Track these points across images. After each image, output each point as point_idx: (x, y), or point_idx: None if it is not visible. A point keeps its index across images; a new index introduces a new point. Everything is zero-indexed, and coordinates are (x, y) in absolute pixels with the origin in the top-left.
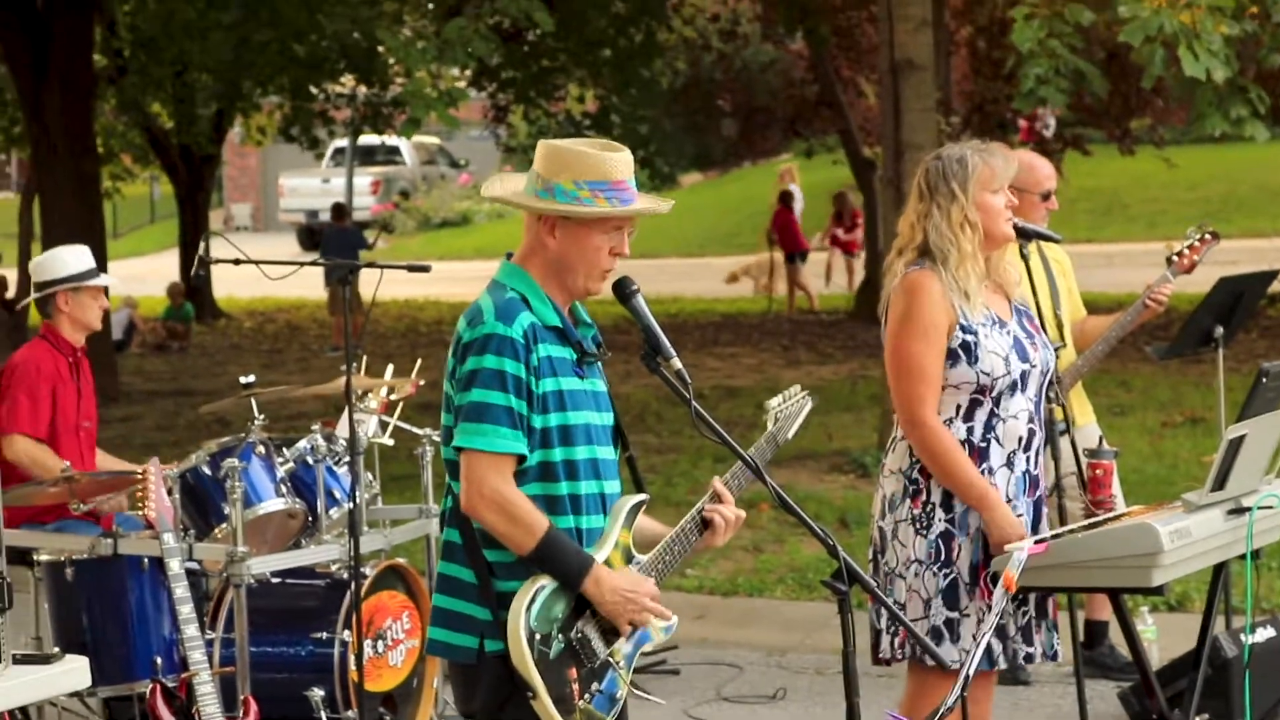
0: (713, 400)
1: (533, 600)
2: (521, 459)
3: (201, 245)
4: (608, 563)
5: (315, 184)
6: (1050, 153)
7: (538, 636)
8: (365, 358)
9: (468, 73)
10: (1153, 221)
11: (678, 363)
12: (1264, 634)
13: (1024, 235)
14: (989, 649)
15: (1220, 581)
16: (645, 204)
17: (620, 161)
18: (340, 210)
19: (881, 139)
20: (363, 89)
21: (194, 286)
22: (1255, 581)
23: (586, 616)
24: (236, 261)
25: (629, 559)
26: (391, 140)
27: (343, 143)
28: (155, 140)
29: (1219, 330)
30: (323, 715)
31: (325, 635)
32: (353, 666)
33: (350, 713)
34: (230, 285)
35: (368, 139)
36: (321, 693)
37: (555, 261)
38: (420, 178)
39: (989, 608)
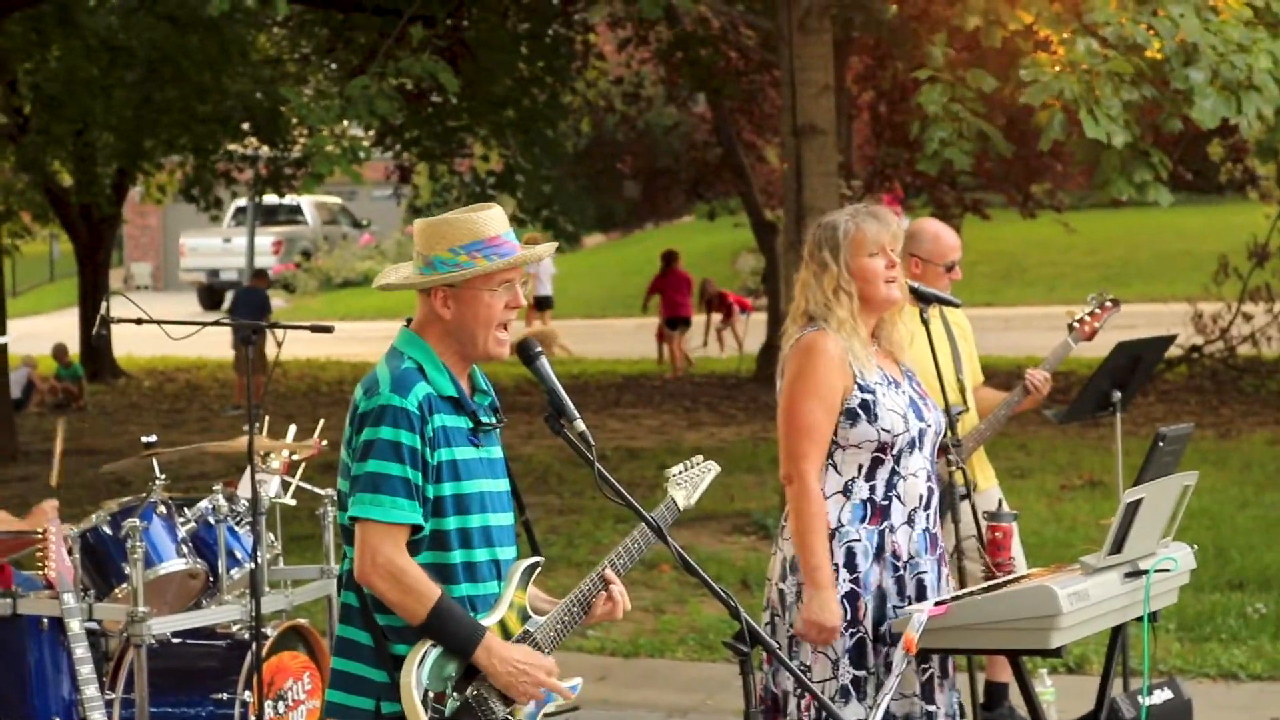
0: (615, 461)
1: (423, 659)
2: (416, 529)
3: (103, 304)
4: (503, 624)
5: (217, 244)
6: (950, 217)
7: (431, 695)
8: (267, 418)
9: (371, 132)
10: (1052, 285)
11: (581, 424)
12: (1161, 695)
13: (923, 299)
14: (889, 711)
15: (1118, 644)
16: (524, 252)
17: (490, 219)
18: (261, 273)
19: (784, 203)
20: (265, 149)
21: (95, 345)
22: (1152, 643)
23: (482, 675)
24: (139, 321)
25: (525, 618)
26: (293, 200)
27: (244, 202)
28: (55, 198)
29: (1116, 394)
30: None
31: (226, 696)
32: None
33: None
34: (130, 344)
35: (270, 199)
36: None
37: (454, 330)
38: (322, 237)
39: (888, 668)
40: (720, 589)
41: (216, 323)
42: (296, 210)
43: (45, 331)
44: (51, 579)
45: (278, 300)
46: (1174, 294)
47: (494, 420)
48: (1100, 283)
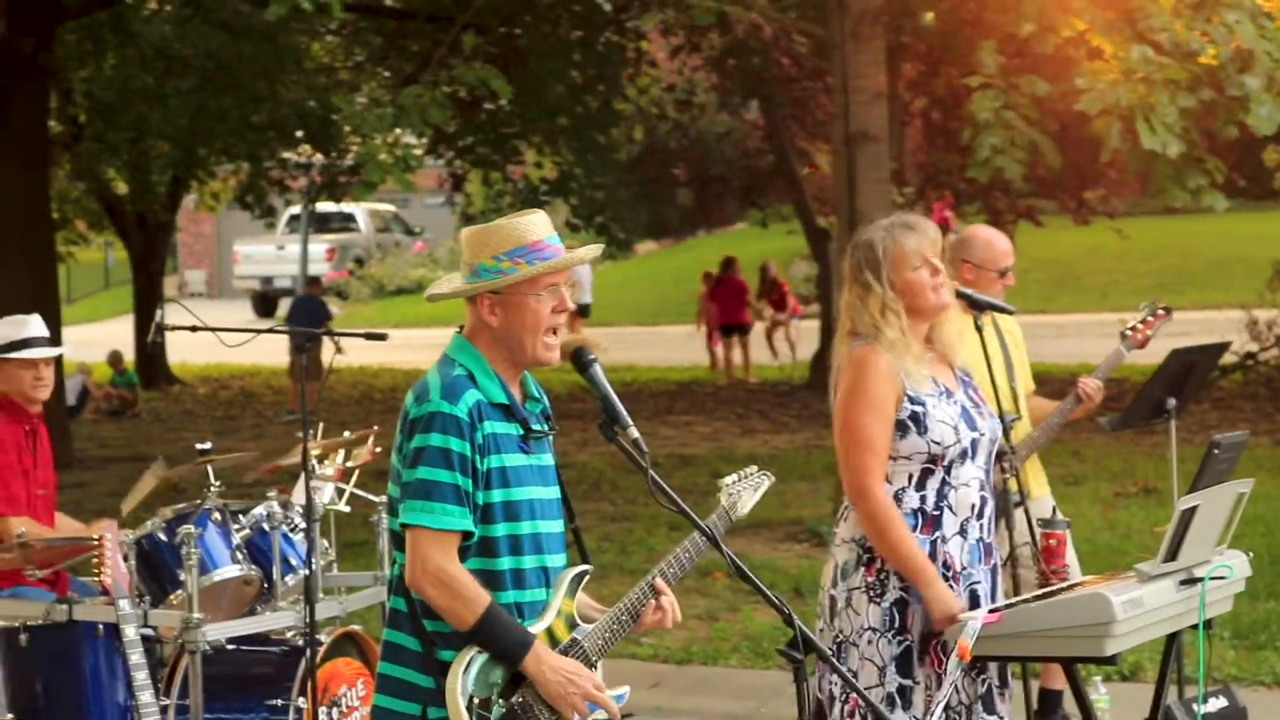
0: (667, 468)
1: (469, 665)
2: (467, 535)
3: (158, 312)
4: (550, 631)
5: (270, 251)
6: (1003, 224)
7: (476, 701)
8: (321, 424)
9: (423, 140)
10: (1105, 292)
11: (635, 432)
12: (1216, 704)
13: (977, 306)
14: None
15: (1173, 651)
16: (567, 256)
17: (533, 224)
18: (315, 280)
19: (836, 210)
20: (319, 157)
21: (150, 353)
22: (1207, 651)
23: (528, 682)
24: (194, 329)
25: (572, 626)
26: (347, 208)
27: (298, 210)
28: (110, 206)
29: (1171, 401)
30: None
31: (280, 702)
32: None
33: None
34: (184, 351)
35: (323, 206)
36: None
37: (502, 338)
38: (375, 245)
39: (938, 675)
40: (774, 596)
41: (270, 330)
42: (350, 218)
43: (100, 339)
44: (108, 585)
45: (332, 307)
46: (1228, 301)
47: (545, 427)
48: (1154, 289)
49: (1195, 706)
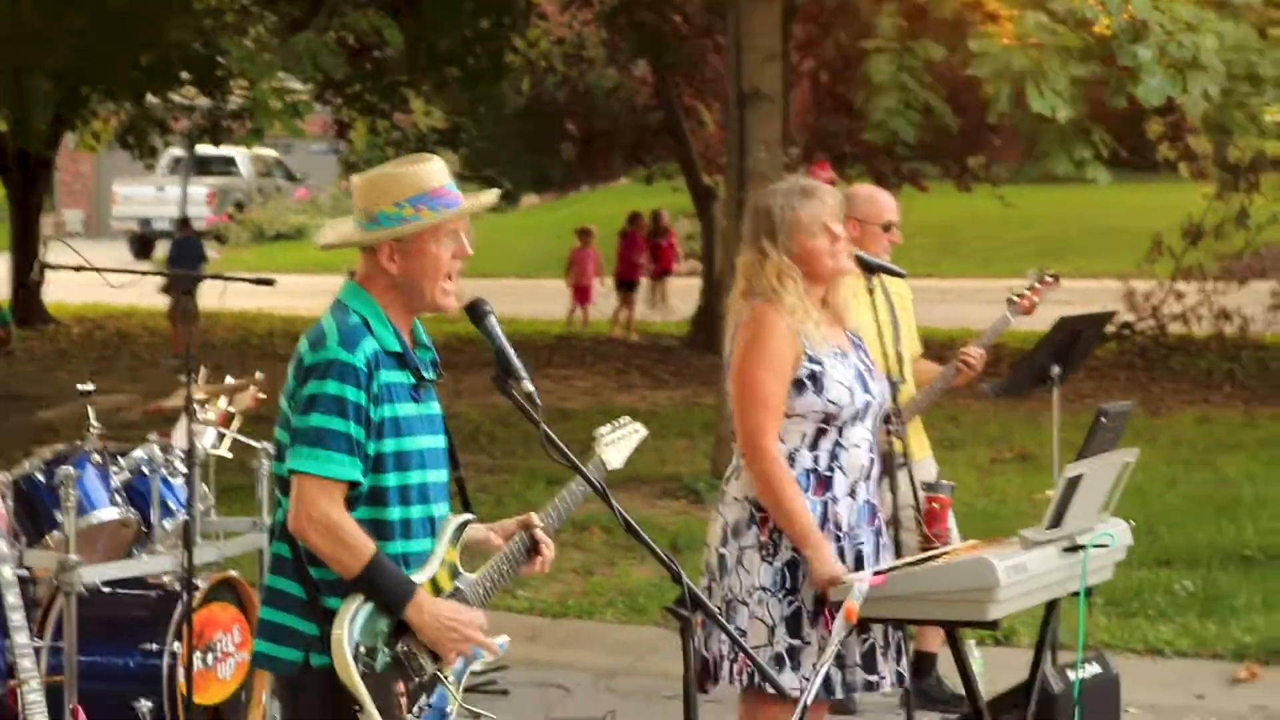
0: (547, 422)
1: (355, 614)
2: (354, 485)
3: (40, 249)
4: (434, 581)
5: (150, 192)
6: (887, 188)
7: (363, 649)
8: (203, 369)
9: (309, 86)
10: (987, 259)
11: (529, 385)
12: (1089, 670)
13: (868, 269)
14: (827, 678)
15: (1052, 617)
16: (470, 202)
17: (432, 170)
18: (185, 221)
19: (726, 169)
20: (202, 99)
21: (31, 291)
22: (1087, 618)
23: (412, 630)
24: (78, 268)
25: (454, 575)
26: (228, 151)
27: (179, 152)
28: None
29: (1055, 369)
30: None
31: (155, 646)
32: (181, 679)
33: None
34: (60, 291)
35: (204, 149)
36: (149, 704)
37: (400, 284)
38: (256, 190)
39: (826, 636)
40: (663, 552)
41: (157, 272)
42: (231, 162)
43: None
44: None
45: (211, 251)
46: (1108, 270)
47: (434, 375)
48: (1035, 258)
49: (1070, 673)
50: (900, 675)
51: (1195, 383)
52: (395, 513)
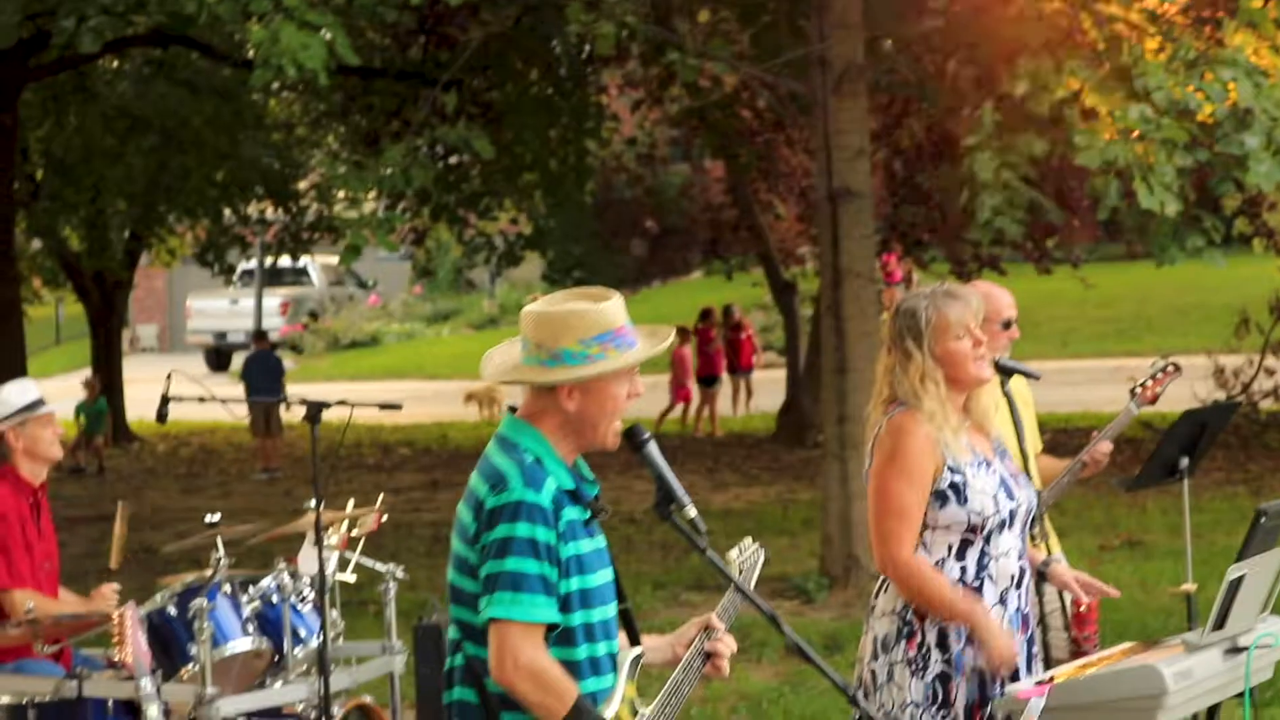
0: (646, 525)
1: None
2: (552, 627)
3: (166, 382)
4: (617, 718)
5: (224, 305)
6: (967, 274)
7: None
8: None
9: (383, 199)
10: (1064, 340)
11: (692, 510)
12: None
13: (1004, 372)
14: None
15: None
16: (649, 342)
17: (614, 309)
18: (262, 334)
19: (820, 265)
20: (279, 213)
21: (159, 423)
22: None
23: None
24: (201, 399)
25: (634, 713)
26: (299, 261)
27: (250, 264)
28: (66, 263)
29: (1184, 461)
30: None
31: None
32: None
33: None
34: (141, 407)
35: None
36: None
37: (575, 422)
38: (329, 298)
39: None
40: (838, 678)
41: (279, 400)
42: (303, 271)
43: (54, 395)
44: (129, 664)
45: (286, 361)
46: (1188, 347)
47: (603, 509)
48: (1113, 336)
49: None
50: None
51: None
52: (582, 651)
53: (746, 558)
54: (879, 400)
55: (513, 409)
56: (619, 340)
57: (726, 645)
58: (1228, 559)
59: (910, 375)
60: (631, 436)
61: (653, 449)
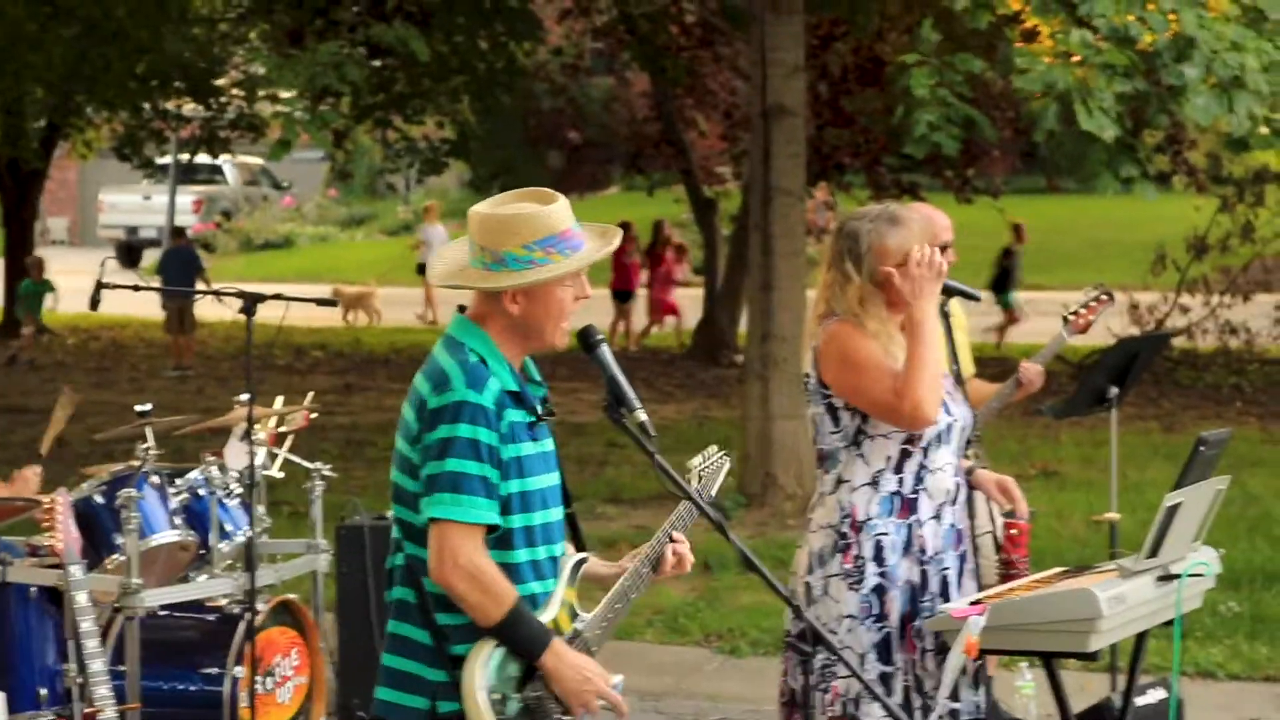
0: (561, 437)
1: (487, 659)
2: (492, 529)
3: (100, 269)
4: (555, 623)
5: (136, 200)
6: (885, 200)
7: (495, 696)
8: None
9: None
10: (978, 270)
11: (642, 414)
12: (1155, 695)
13: (945, 292)
14: (907, 705)
15: (1143, 649)
16: (596, 244)
17: (560, 212)
18: (180, 231)
19: (750, 183)
20: (197, 109)
21: (92, 310)
22: (1180, 647)
23: (539, 676)
24: (135, 288)
25: (573, 616)
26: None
27: (165, 160)
28: None
29: (1113, 391)
30: None
31: (216, 670)
32: (244, 703)
33: None
34: (49, 301)
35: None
36: None
37: (520, 325)
38: (243, 198)
39: (913, 660)
40: (783, 589)
41: (215, 292)
42: (217, 170)
43: None
44: (58, 550)
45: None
46: (1103, 282)
47: (547, 412)
48: (1031, 269)
49: (1139, 698)
50: (977, 705)
51: (1203, 397)
52: (522, 554)
53: (709, 464)
54: (816, 314)
55: (461, 308)
56: (563, 244)
57: (686, 548)
58: (1141, 492)
59: (849, 296)
60: (584, 338)
61: (605, 351)
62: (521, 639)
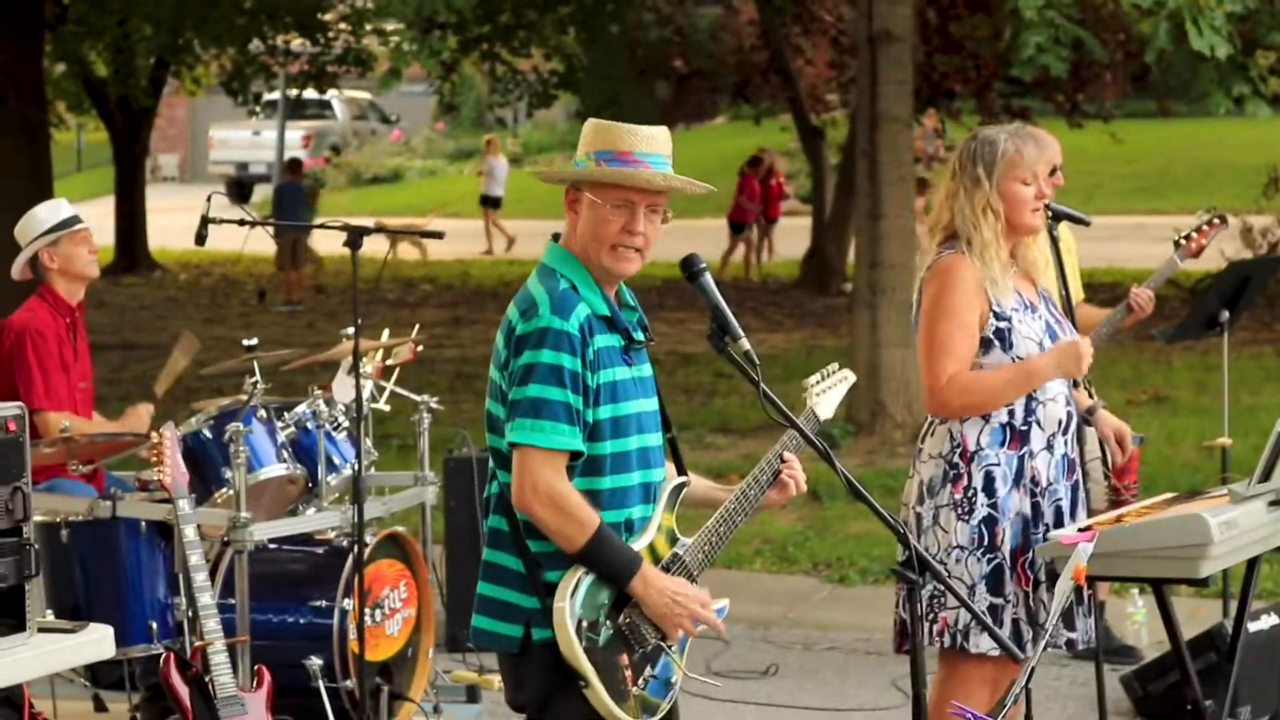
0: (669, 366)
1: (577, 586)
2: (575, 455)
3: (206, 204)
4: (652, 547)
5: (246, 136)
6: (994, 124)
7: (585, 624)
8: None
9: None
10: (1089, 195)
11: (746, 343)
12: (1269, 620)
13: (1055, 216)
14: (1018, 635)
15: (1255, 573)
16: (648, 173)
17: (638, 133)
18: (297, 164)
19: (856, 110)
20: (305, 44)
21: (198, 245)
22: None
23: (634, 602)
24: (241, 223)
25: (673, 541)
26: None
27: (274, 95)
28: (91, 88)
29: (1225, 314)
30: (320, 684)
31: (324, 603)
32: (352, 635)
33: (348, 682)
34: (163, 237)
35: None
36: (320, 661)
37: (586, 240)
38: (351, 133)
39: (1025, 593)
40: (891, 516)
41: (321, 225)
42: (326, 105)
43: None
44: (167, 484)
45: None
46: (1217, 206)
47: (644, 337)
48: (1137, 193)
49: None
50: (1090, 633)
51: None
52: (608, 481)
53: (829, 382)
54: (937, 226)
55: (555, 236)
56: (616, 161)
57: (799, 470)
58: (1254, 417)
59: (975, 203)
60: (687, 266)
61: (707, 280)
62: (607, 564)
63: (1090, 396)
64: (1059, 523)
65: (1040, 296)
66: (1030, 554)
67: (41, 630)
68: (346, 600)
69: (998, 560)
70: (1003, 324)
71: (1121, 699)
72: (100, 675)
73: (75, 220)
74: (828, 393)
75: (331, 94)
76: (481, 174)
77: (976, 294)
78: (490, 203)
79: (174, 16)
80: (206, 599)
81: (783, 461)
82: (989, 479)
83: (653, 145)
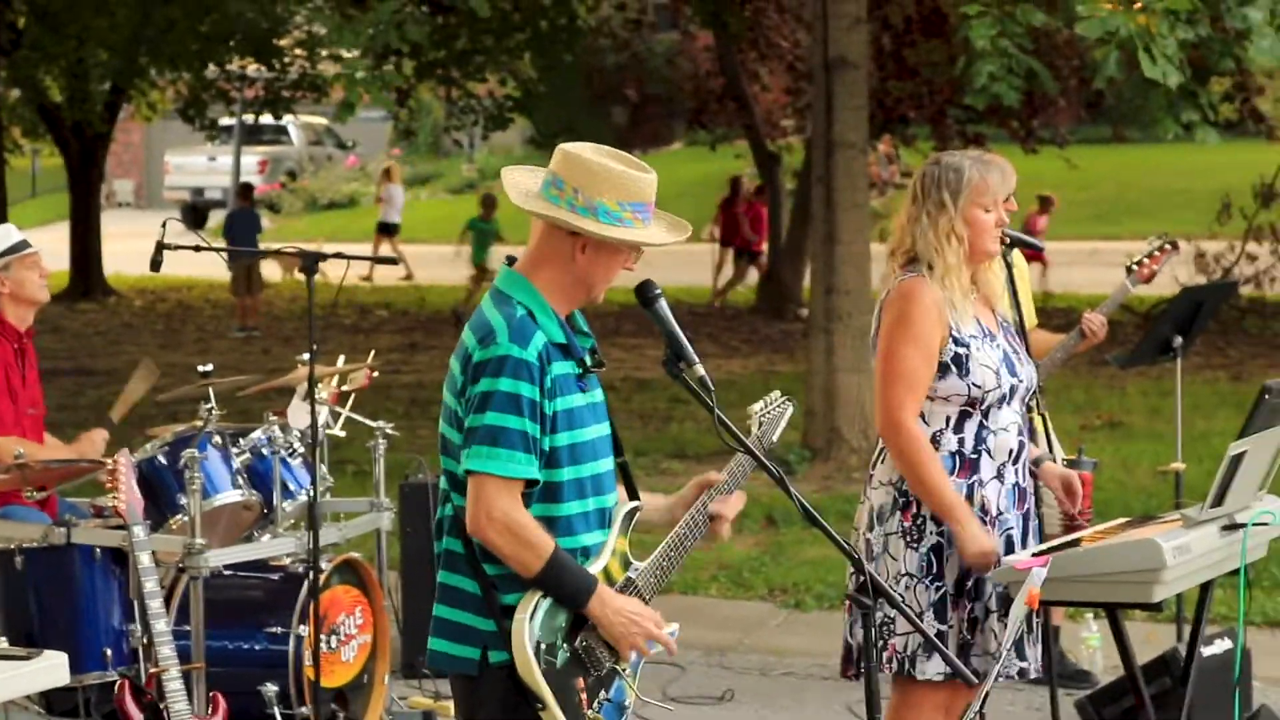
0: (625, 392)
1: (535, 609)
2: (531, 483)
3: (161, 230)
4: (606, 571)
5: (201, 162)
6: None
7: (543, 646)
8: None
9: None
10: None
11: (700, 369)
12: (1221, 645)
13: (1011, 243)
14: (970, 663)
15: (1208, 598)
16: (669, 232)
17: (651, 183)
18: (248, 190)
19: (812, 136)
20: (261, 70)
21: (153, 270)
22: (1247, 597)
23: (589, 625)
24: (196, 248)
25: (626, 565)
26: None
27: (230, 121)
28: (46, 114)
29: (1178, 340)
30: (276, 711)
31: (279, 630)
32: (308, 662)
33: (304, 709)
34: (118, 262)
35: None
36: (275, 688)
37: (574, 277)
38: (307, 158)
39: (967, 620)
40: (845, 543)
41: (277, 252)
42: (282, 130)
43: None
44: (122, 511)
45: (264, 220)
46: (1168, 232)
47: (596, 363)
48: (1092, 219)
49: (1206, 648)
50: (1039, 662)
51: (1270, 346)
52: (570, 508)
53: (770, 410)
54: (898, 252)
55: (510, 260)
56: (647, 214)
57: (731, 506)
58: (1207, 442)
59: (940, 228)
60: (641, 291)
61: (662, 305)
62: (564, 588)
63: (1042, 441)
64: (1009, 551)
65: (999, 325)
66: (973, 580)
67: None
68: (302, 627)
69: (944, 588)
70: (961, 349)
71: None
72: (55, 703)
73: (25, 245)
74: (773, 420)
75: (287, 119)
76: (380, 200)
77: (937, 318)
78: (387, 230)
79: (128, 41)
80: (161, 625)
81: (714, 488)
82: None
83: (654, 189)
